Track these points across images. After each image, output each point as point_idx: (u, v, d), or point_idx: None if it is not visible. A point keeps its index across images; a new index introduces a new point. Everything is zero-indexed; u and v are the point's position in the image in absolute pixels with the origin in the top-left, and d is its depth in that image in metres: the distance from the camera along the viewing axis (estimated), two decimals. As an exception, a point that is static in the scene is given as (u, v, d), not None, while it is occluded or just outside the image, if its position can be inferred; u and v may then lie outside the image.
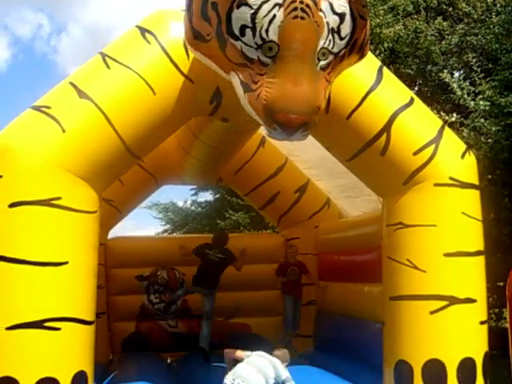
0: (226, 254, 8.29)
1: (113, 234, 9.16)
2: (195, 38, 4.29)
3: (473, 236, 5.44)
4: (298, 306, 8.62)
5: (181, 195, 41.68)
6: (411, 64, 10.71)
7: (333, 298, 8.02)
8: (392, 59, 10.94)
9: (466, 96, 8.44)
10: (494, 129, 8.12)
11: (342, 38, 4.17)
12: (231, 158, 7.96)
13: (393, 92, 5.46)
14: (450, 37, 10.67)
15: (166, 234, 20.14)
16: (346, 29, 4.17)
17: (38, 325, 4.51)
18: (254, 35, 3.99)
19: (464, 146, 5.61)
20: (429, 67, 10.54)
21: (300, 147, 7.97)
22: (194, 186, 15.06)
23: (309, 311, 8.65)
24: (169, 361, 8.90)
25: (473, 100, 8.41)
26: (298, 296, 8.60)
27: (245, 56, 4.10)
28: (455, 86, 8.59)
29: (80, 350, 4.77)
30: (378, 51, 10.40)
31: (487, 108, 8.27)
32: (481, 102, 8.19)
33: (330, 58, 4.19)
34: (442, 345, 5.23)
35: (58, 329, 4.56)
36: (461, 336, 5.27)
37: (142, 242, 9.72)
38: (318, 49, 4.08)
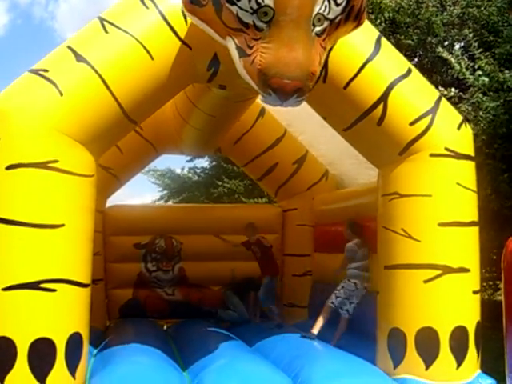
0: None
1: (109, 200, 9.18)
2: (192, 2, 4.29)
3: (467, 206, 5.48)
4: (268, 285, 8.39)
5: (178, 163, 41.71)
6: (412, 35, 10.62)
7: (328, 269, 8.06)
8: (393, 29, 10.82)
9: (464, 70, 8.40)
10: (492, 104, 8.08)
11: (338, 4, 4.16)
12: (230, 128, 7.93)
13: (390, 62, 5.46)
14: (451, 8, 10.57)
15: (162, 202, 20.14)
16: None
17: (34, 286, 4.54)
18: (249, 0, 3.99)
19: (460, 118, 5.62)
20: (429, 38, 10.45)
21: (300, 117, 7.95)
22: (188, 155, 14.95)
23: (304, 282, 8.71)
24: (165, 327, 8.99)
25: (471, 75, 8.37)
26: (268, 274, 8.40)
27: (240, 21, 4.10)
28: (453, 60, 8.55)
29: (75, 312, 4.83)
30: (378, 21, 10.28)
31: (486, 83, 8.23)
32: (479, 78, 8.15)
33: (326, 24, 4.19)
34: (435, 313, 5.30)
35: (53, 290, 4.60)
36: (454, 305, 5.33)
37: (140, 210, 9.80)
38: (314, 14, 4.06)
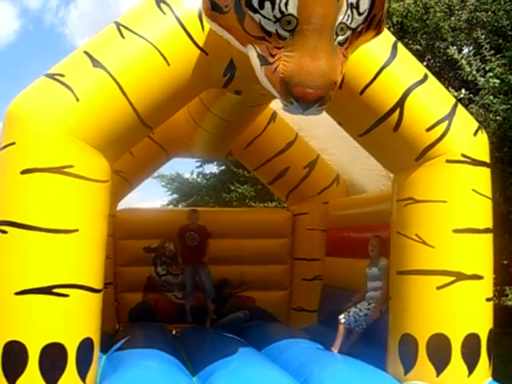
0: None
1: (118, 204, 9.13)
2: (213, 9, 4.26)
3: (482, 213, 5.45)
4: (203, 274, 8.69)
5: (187, 167, 42.03)
6: (420, 40, 10.61)
7: (340, 274, 8.05)
8: (401, 34, 10.82)
9: (474, 72, 8.39)
10: (502, 107, 8.06)
11: (360, 14, 4.15)
12: (242, 132, 7.91)
13: (407, 68, 5.44)
14: (459, 12, 10.56)
15: (171, 206, 20.12)
16: (364, 4, 4.15)
17: (47, 291, 4.54)
18: (273, 8, 3.96)
19: (476, 124, 5.60)
20: (438, 43, 10.44)
21: (311, 122, 7.93)
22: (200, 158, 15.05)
23: (313, 286, 8.70)
24: (173, 332, 8.98)
25: (482, 77, 8.36)
26: (198, 264, 8.70)
27: (263, 29, 4.08)
28: (464, 62, 8.54)
29: (87, 318, 4.82)
30: (386, 25, 10.25)
31: (497, 85, 8.21)
32: (490, 80, 8.13)
33: (348, 33, 4.18)
34: (448, 320, 5.27)
35: (66, 295, 4.59)
36: (466, 312, 5.31)
37: (150, 214, 9.76)
38: (337, 24, 4.05)
